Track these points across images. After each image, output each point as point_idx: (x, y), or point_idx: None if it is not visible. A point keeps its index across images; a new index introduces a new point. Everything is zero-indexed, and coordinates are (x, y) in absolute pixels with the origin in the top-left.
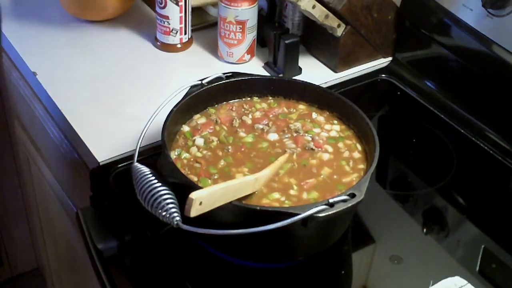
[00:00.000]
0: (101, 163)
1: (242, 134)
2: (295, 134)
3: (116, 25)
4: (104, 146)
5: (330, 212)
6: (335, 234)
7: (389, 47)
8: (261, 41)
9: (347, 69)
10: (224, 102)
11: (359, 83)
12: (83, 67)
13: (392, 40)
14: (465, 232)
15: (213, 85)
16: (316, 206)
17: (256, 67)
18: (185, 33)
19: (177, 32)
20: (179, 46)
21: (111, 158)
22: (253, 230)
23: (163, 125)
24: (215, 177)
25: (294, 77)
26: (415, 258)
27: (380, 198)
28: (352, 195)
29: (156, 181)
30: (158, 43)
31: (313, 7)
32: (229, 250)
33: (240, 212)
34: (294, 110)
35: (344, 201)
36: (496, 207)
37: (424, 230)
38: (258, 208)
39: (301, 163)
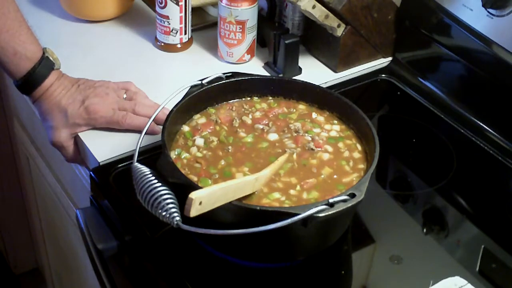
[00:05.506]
0: (101, 163)
1: (242, 134)
2: (295, 134)
3: (116, 25)
4: (104, 146)
5: (330, 212)
6: (335, 234)
7: (389, 47)
8: (261, 41)
9: (347, 69)
10: (224, 102)
11: (359, 83)
12: (83, 67)
13: (392, 40)
14: (465, 232)
15: (213, 85)
16: (316, 206)
17: (256, 67)
18: (185, 33)
19: (177, 32)
20: (179, 46)
21: (111, 158)
22: (253, 230)
23: (163, 125)
24: (215, 177)
25: (294, 77)
26: (415, 258)
27: (380, 198)
28: (352, 195)
29: (156, 181)
30: (158, 43)
31: (313, 7)
32: (229, 250)
33: (240, 212)
34: (294, 110)
35: (344, 201)
36: (496, 207)
37: (424, 230)
38: (258, 208)
39: (301, 163)
